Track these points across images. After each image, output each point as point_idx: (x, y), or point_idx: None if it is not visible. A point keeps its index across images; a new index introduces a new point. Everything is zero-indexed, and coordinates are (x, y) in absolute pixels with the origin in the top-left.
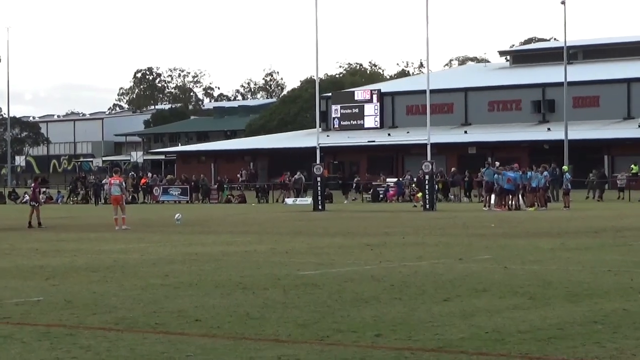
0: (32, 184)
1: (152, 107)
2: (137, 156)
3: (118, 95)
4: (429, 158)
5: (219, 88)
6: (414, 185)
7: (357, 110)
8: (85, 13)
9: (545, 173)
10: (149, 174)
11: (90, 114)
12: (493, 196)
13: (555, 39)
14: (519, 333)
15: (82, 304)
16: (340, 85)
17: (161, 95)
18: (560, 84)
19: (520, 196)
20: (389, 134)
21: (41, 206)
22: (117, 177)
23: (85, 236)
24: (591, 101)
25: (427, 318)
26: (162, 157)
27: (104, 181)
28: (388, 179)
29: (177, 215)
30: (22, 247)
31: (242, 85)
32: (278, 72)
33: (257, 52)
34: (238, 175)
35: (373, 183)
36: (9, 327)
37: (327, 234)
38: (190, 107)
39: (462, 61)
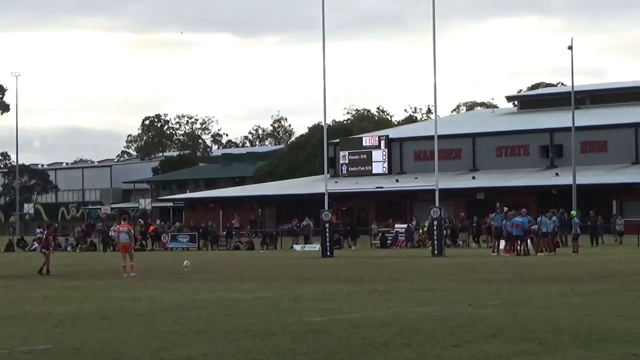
0: (45, 232)
1: (161, 154)
2: (146, 203)
3: (126, 142)
4: (437, 204)
5: (227, 135)
6: (420, 232)
7: (365, 156)
8: (94, 62)
9: (554, 218)
10: (158, 221)
11: (99, 162)
12: (502, 242)
13: (562, 84)
14: None
15: (90, 352)
16: (349, 131)
17: (169, 142)
18: (567, 129)
19: (528, 241)
20: (397, 180)
21: (52, 254)
22: (126, 224)
23: (94, 284)
24: (599, 146)
25: None
26: (171, 204)
27: (112, 229)
28: (397, 225)
29: (185, 262)
30: (30, 294)
31: (250, 132)
32: (286, 119)
33: (265, 98)
34: (233, 222)
35: (379, 230)
36: None
37: (336, 280)
38: (199, 154)
39: (470, 107)
